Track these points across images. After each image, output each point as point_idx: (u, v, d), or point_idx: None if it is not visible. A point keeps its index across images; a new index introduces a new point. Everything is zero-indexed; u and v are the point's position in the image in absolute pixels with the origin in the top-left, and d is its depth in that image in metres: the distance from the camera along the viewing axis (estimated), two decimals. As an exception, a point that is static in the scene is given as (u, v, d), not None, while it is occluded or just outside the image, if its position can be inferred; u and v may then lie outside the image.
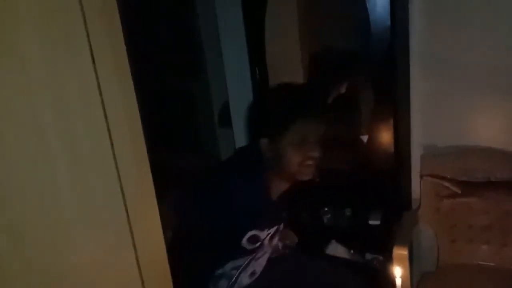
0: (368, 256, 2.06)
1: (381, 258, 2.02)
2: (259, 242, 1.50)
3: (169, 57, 2.82)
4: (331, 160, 2.16)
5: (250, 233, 1.43)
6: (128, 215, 0.84)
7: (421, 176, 1.98)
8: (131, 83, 0.83)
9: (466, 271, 1.90)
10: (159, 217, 0.92)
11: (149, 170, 0.89)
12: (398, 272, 1.27)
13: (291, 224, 1.84)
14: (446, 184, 1.62)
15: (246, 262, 1.52)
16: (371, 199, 2.10)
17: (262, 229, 1.48)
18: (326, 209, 2.17)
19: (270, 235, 1.53)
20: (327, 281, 1.64)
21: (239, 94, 2.42)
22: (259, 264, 1.59)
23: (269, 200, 1.46)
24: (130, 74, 0.83)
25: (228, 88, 2.51)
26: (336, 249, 2.07)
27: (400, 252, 1.67)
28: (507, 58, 1.84)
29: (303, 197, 2.15)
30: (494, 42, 1.85)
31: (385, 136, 2.03)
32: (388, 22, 1.82)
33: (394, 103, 1.98)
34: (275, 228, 1.55)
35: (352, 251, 2.08)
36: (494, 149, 1.93)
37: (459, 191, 1.59)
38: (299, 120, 1.36)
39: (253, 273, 1.58)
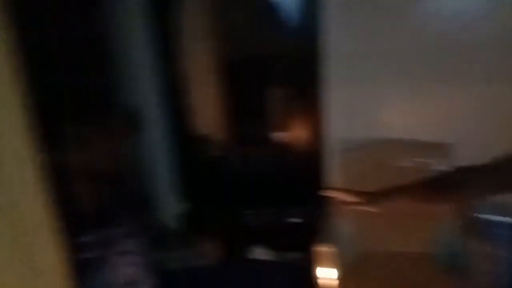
0: (293, 255, 1.99)
1: (305, 256, 1.96)
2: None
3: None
4: (248, 161, 2.09)
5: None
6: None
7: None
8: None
9: (388, 259, 1.90)
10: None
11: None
12: (320, 272, 1.19)
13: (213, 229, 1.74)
14: (345, 197, 1.60)
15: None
16: (292, 197, 2.04)
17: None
18: (247, 211, 2.07)
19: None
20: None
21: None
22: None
23: None
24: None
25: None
26: (259, 252, 1.97)
27: (322, 249, 1.61)
28: (421, 46, 1.89)
29: (223, 200, 2.05)
30: (408, 30, 1.89)
31: (303, 133, 2.00)
32: (300, 16, 1.79)
33: (311, 99, 1.95)
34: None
35: (275, 252, 2.00)
36: (412, 139, 1.98)
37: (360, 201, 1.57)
38: None
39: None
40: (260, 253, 1.96)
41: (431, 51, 1.89)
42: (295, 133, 2.09)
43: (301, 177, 2.04)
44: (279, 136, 2.07)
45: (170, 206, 2.09)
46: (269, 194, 2.05)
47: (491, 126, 1.90)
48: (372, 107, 2.04)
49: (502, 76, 1.83)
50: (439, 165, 1.89)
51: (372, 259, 1.90)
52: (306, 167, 2.06)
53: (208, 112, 2.12)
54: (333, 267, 1.60)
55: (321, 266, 1.61)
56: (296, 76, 2.03)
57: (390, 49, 1.91)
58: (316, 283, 1.62)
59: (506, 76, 1.83)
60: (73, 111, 1.46)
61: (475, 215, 1.77)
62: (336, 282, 1.19)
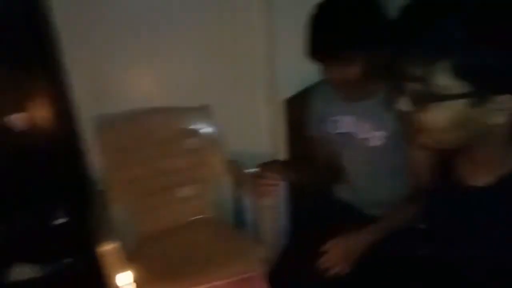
0: (66, 261, 1.69)
1: (81, 258, 1.70)
2: None
3: None
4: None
5: None
6: None
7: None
8: None
9: (167, 234, 1.83)
10: None
11: None
12: (128, 277, 1.02)
13: None
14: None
15: None
16: (48, 193, 1.70)
17: None
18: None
19: None
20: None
21: None
22: None
23: None
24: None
25: None
26: (22, 271, 1.60)
27: (108, 248, 1.41)
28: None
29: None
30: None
31: (49, 116, 1.66)
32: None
33: (49, 78, 1.61)
34: None
35: (42, 265, 1.66)
36: (169, 106, 1.89)
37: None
38: None
39: None
40: (24, 272, 1.59)
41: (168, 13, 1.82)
42: (38, 119, 1.72)
43: (56, 167, 1.72)
44: (18, 124, 1.66)
45: None
46: (20, 196, 1.65)
47: (239, 85, 1.97)
48: (120, 79, 1.87)
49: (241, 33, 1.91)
50: (203, 129, 1.89)
51: (155, 239, 1.80)
52: (60, 154, 1.74)
53: None
54: (122, 266, 1.42)
55: (108, 267, 1.41)
56: (23, 52, 1.65)
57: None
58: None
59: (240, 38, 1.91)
60: None
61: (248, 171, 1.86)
62: (133, 286, 1.04)
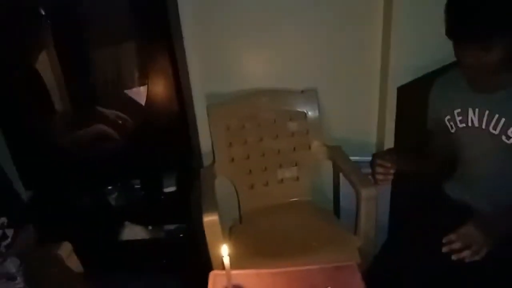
0: (170, 227, 1.81)
1: (184, 226, 1.81)
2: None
3: None
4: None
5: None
6: None
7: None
8: None
9: (266, 213, 1.86)
10: None
11: None
12: (225, 250, 1.06)
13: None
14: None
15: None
16: (161, 163, 1.82)
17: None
18: (110, 187, 1.80)
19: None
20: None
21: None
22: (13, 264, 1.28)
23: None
24: None
25: None
26: (132, 231, 1.75)
27: (210, 219, 1.48)
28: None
29: (78, 179, 1.74)
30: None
31: (166, 91, 1.76)
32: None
33: (171, 54, 1.71)
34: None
35: (150, 228, 1.80)
36: (277, 88, 1.90)
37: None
38: None
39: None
40: (134, 232, 1.74)
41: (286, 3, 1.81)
42: (154, 92, 1.84)
43: (168, 139, 1.83)
44: (142, 97, 1.80)
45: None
46: (134, 163, 1.80)
47: (349, 71, 1.91)
48: (233, 59, 1.91)
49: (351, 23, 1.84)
50: (308, 112, 1.88)
51: (254, 216, 1.85)
52: (172, 128, 1.85)
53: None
54: (220, 238, 1.48)
55: (208, 238, 1.48)
56: (148, 29, 1.76)
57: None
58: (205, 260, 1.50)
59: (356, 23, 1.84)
60: None
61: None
62: (228, 258, 1.07)
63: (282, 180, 1.92)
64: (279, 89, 1.91)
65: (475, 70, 1.17)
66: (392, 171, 1.32)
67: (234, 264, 1.12)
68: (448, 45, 1.14)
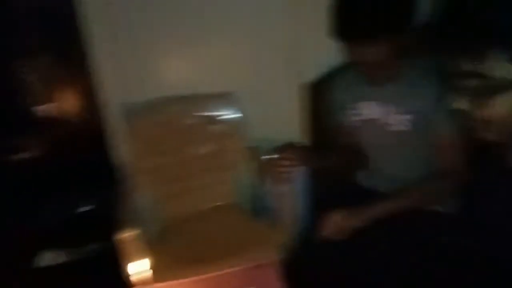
0: (93, 246, 1.73)
1: (106, 246, 1.73)
2: None
3: None
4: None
5: None
6: None
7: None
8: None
9: (189, 221, 1.83)
10: None
11: None
12: (145, 264, 1.03)
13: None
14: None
15: None
16: (78, 180, 1.74)
17: None
18: (25, 211, 1.69)
19: None
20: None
21: None
22: None
23: None
24: None
25: None
26: (50, 257, 1.65)
27: (129, 235, 1.43)
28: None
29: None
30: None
31: (78, 105, 1.70)
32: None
33: (77, 64, 1.65)
34: None
35: (69, 250, 1.70)
36: (193, 94, 1.89)
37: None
38: None
39: None
40: (52, 258, 1.64)
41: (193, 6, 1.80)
42: (65, 106, 1.76)
43: (84, 154, 1.76)
44: (47, 111, 1.71)
45: None
46: (49, 184, 1.70)
47: (266, 72, 1.94)
48: (146, 66, 1.87)
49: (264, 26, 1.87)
50: (227, 115, 1.88)
51: (177, 226, 1.81)
52: (88, 142, 1.78)
53: None
54: (140, 253, 1.43)
55: (127, 254, 1.43)
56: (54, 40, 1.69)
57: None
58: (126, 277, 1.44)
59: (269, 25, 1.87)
60: None
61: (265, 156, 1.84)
62: (149, 273, 1.04)
63: (205, 185, 1.90)
64: (197, 94, 1.89)
65: (365, 65, 1.23)
66: (291, 166, 1.35)
67: (158, 277, 1.09)
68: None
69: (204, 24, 1.82)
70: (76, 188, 1.77)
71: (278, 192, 1.60)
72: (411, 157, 1.36)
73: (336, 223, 1.27)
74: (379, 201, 1.29)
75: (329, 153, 1.52)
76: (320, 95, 1.58)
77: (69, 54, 1.73)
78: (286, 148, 1.41)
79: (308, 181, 1.86)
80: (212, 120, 1.89)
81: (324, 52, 1.74)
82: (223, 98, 1.89)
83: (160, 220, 1.84)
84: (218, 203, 1.91)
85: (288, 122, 2.01)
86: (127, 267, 1.45)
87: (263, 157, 1.61)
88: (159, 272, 1.52)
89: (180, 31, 1.82)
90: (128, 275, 1.44)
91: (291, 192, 1.61)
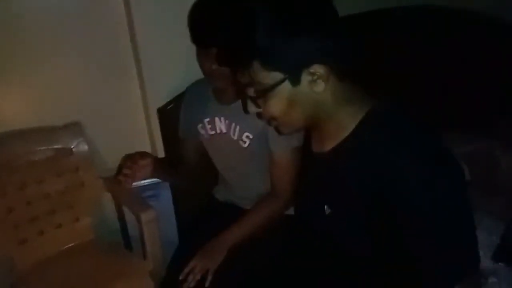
0: None
1: None
2: None
3: None
4: None
5: None
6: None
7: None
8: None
9: (47, 266, 1.67)
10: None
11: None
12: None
13: None
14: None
15: None
16: None
17: None
18: None
19: None
20: None
21: None
22: None
23: None
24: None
25: None
26: None
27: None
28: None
29: None
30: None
31: None
32: None
33: None
34: None
35: None
36: (34, 127, 1.75)
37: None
38: None
39: None
40: None
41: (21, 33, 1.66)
42: None
43: None
44: None
45: None
46: None
47: (112, 100, 1.88)
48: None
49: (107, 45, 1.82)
50: (75, 147, 1.77)
51: (33, 274, 1.63)
52: None
53: None
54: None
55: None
56: None
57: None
58: None
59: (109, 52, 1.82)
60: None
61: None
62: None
63: (59, 225, 1.75)
64: (36, 127, 1.74)
65: (215, 80, 1.29)
66: (135, 165, 1.38)
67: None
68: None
69: (47, 56, 1.70)
70: None
71: (142, 219, 1.56)
72: (255, 173, 1.43)
73: (198, 270, 1.30)
74: (224, 234, 1.35)
75: (179, 165, 1.55)
76: (172, 115, 1.60)
77: None
78: (126, 157, 1.42)
79: (171, 203, 1.87)
80: (58, 153, 1.75)
81: (172, 74, 1.78)
82: (68, 129, 1.77)
83: (14, 269, 1.65)
84: (75, 242, 1.77)
85: (139, 147, 1.97)
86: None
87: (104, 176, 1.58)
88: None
89: (21, 62, 1.67)
90: None
91: (154, 220, 1.58)
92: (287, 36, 0.77)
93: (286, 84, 0.79)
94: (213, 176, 1.60)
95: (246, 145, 1.36)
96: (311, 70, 0.79)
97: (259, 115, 0.89)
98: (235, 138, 1.36)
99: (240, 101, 1.32)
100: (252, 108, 0.87)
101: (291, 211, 1.40)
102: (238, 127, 1.36)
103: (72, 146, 1.76)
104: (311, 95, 0.81)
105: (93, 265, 1.64)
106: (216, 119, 1.40)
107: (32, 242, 1.69)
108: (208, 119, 1.42)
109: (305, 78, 0.80)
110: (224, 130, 1.39)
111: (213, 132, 1.42)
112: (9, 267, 1.67)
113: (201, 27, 1.23)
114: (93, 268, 1.62)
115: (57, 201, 1.74)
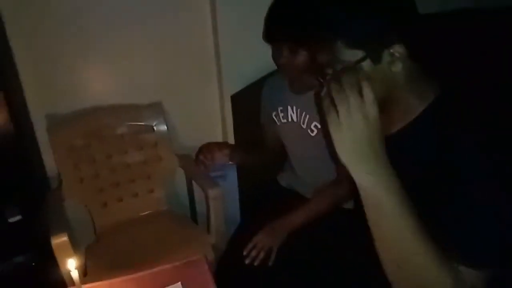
0: (19, 259, 1.71)
1: (35, 255, 1.72)
2: None
3: None
4: None
5: None
6: None
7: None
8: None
9: (123, 228, 1.87)
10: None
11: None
12: (71, 264, 1.07)
13: None
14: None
15: None
16: (3, 194, 1.71)
17: None
18: None
19: None
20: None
21: None
22: None
23: None
24: None
25: None
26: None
27: (59, 240, 1.45)
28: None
29: None
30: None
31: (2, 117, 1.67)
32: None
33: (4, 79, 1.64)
34: None
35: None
36: (122, 104, 1.95)
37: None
38: None
39: None
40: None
41: (121, 18, 1.86)
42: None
43: (7, 167, 1.74)
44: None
45: None
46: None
47: (190, 83, 2.04)
48: (74, 78, 1.89)
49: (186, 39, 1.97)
50: (155, 124, 1.95)
51: (110, 233, 1.84)
52: (13, 155, 1.76)
53: None
54: (72, 255, 1.46)
55: (59, 258, 1.45)
56: None
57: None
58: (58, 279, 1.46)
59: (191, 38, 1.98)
60: None
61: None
62: (76, 272, 1.09)
63: (136, 194, 1.95)
64: (124, 104, 1.95)
65: (288, 72, 1.37)
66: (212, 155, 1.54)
67: (90, 278, 1.13)
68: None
69: (133, 38, 1.89)
70: (3, 200, 1.74)
71: (209, 195, 1.70)
72: (322, 161, 1.48)
73: (260, 246, 1.38)
74: (290, 215, 1.42)
75: (253, 150, 1.65)
76: (246, 102, 1.71)
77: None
78: (204, 146, 1.55)
79: (236, 184, 1.99)
80: (141, 130, 1.95)
81: (245, 64, 1.89)
82: (151, 108, 1.96)
83: (94, 228, 1.87)
84: (150, 211, 1.96)
85: (214, 130, 2.12)
86: (59, 270, 1.47)
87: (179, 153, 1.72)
88: (90, 275, 1.56)
89: (109, 43, 1.86)
90: (60, 278, 1.46)
91: (221, 198, 1.71)
92: (372, 17, 0.81)
93: (367, 62, 0.83)
94: (279, 163, 1.70)
95: (314, 134, 1.44)
96: (391, 50, 0.83)
97: None
98: (304, 126, 1.44)
99: (310, 92, 1.40)
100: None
101: (350, 205, 1.47)
102: (308, 117, 1.43)
103: (153, 124, 1.95)
104: (388, 74, 0.85)
105: (162, 233, 1.81)
106: (289, 107, 1.48)
107: (112, 206, 1.91)
108: (281, 108, 1.51)
109: (385, 57, 0.83)
110: (295, 119, 1.48)
111: (285, 120, 1.51)
112: (91, 225, 1.90)
113: (277, 24, 1.31)
114: (162, 235, 1.79)
115: (136, 171, 1.94)
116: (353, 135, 0.75)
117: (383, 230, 0.78)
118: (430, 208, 0.81)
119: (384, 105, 0.88)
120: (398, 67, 0.84)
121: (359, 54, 0.83)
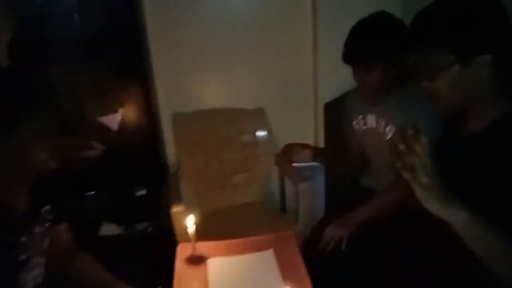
0: (141, 225, 2.12)
1: (153, 223, 2.12)
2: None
3: None
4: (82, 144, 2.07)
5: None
6: None
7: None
8: None
9: (223, 212, 2.20)
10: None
11: None
12: (191, 219, 1.39)
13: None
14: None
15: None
16: (134, 172, 2.14)
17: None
18: (91, 193, 2.11)
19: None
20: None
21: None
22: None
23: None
24: None
25: None
26: (109, 228, 2.05)
27: (177, 209, 1.81)
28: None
29: (62, 187, 2.01)
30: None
31: (138, 111, 2.11)
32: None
33: (143, 78, 2.08)
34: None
35: (123, 226, 2.09)
36: (230, 108, 2.31)
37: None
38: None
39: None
40: (110, 230, 2.04)
41: (232, 33, 2.25)
42: (127, 118, 2.15)
43: (141, 152, 2.16)
44: (116, 117, 2.12)
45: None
46: (113, 176, 2.12)
47: (288, 93, 2.36)
48: (194, 85, 2.31)
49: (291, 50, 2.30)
50: (257, 127, 2.28)
51: (212, 215, 2.18)
52: (144, 144, 2.18)
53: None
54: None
55: (176, 224, 1.80)
56: (120, 55, 2.07)
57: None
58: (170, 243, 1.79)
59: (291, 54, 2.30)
60: None
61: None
62: (193, 228, 1.40)
63: (236, 184, 2.28)
64: (232, 108, 2.31)
65: (364, 87, 1.60)
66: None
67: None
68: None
69: (242, 53, 2.27)
70: (133, 178, 2.17)
71: (299, 189, 1.96)
72: None
73: (331, 235, 1.58)
74: (358, 209, 1.61)
75: (339, 154, 1.89)
76: (335, 111, 1.96)
77: (132, 72, 2.12)
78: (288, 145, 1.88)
79: (323, 184, 2.23)
80: (244, 130, 2.29)
81: (338, 78, 2.15)
82: (255, 113, 2.30)
83: (199, 208, 2.23)
84: (247, 201, 2.28)
85: (305, 134, 2.41)
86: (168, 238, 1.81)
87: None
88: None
89: (224, 59, 2.27)
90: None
91: (309, 191, 1.97)
92: (470, 30, 0.95)
93: (456, 67, 0.96)
94: (360, 167, 1.91)
95: (388, 137, 1.64)
96: (481, 57, 0.95)
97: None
98: (381, 131, 1.65)
99: (386, 101, 1.61)
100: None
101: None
102: (384, 122, 1.64)
103: (256, 126, 2.28)
104: (477, 77, 0.98)
105: (256, 220, 2.12)
106: (368, 116, 1.70)
107: (216, 192, 2.26)
108: (361, 116, 1.74)
109: (475, 63, 0.96)
110: (374, 126, 1.69)
111: (365, 127, 1.74)
112: (199, 208, 2.25)
113: (360, 49, 1.52)
114: (256, 222, 2.10)
115: (239, 166, 2.28)
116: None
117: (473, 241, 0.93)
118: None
119: (471, 103, 1.04)
120: (485, 73, 0.97)
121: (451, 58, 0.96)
